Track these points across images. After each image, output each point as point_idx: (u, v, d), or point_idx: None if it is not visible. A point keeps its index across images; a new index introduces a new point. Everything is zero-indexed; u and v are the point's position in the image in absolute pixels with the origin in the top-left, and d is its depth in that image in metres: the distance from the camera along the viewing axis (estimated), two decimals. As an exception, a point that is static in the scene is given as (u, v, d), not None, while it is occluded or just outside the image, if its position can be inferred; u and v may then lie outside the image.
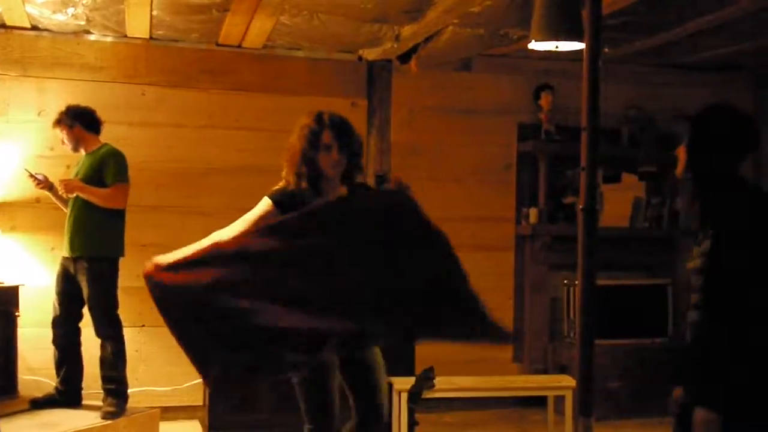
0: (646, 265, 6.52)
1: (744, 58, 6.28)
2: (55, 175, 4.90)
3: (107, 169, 4.69)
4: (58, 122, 4.77)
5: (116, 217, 4.73)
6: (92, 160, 4.74)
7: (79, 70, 5.50)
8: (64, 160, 5.15)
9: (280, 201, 3.18)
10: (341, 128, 3.21)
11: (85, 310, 4.72)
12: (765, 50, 5.96)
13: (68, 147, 4.81)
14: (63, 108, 4.81)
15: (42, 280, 5.20)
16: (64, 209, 4.82)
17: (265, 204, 3.20)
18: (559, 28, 3.84)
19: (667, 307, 6.22)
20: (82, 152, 4.80)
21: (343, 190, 3.25)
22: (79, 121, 4.74)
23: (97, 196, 4.64)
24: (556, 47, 4.10)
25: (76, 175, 4.72)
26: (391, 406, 4.61)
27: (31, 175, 4.78)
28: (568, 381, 4.77)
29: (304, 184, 3.17)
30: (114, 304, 4.71)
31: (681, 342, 6.34)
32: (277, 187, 3.25)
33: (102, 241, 4.67)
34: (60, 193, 4.70)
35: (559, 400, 4.82)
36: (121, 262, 4.78)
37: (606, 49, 5.63)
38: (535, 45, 4.07)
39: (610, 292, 5.87)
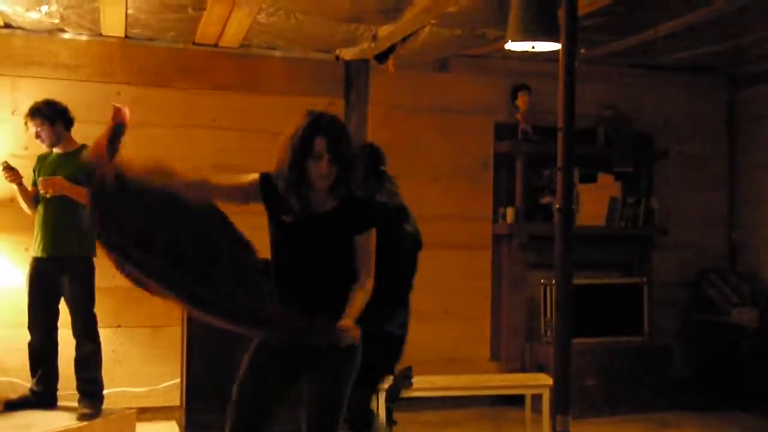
0: (622, 263, 6.58)
1: (718, 59, 6.34)
2: (30, 174, 4.84)
3: None
4: (39, 115, 4.65)
5: None
6: (76, 160, 4.67)
7: (53, 68, 5.45)
8: (39, 160, 5.10)
9: (266, 184, 2.94)
10: (337, 136, 2.88)
11: (61, 309, 4.69)
12: (739, 51, 6.03)
13: (43, 142, 4.71)
14: (37, 101, 4.69)
15: (15, 280, 5.15)
16: (26, 208, 4.75)
17: (254, 176, 2.97)
18: (535, 28, 3.86)
19: (642, 306, 6.28)
20: (55, 150, 4.74)
21: (331, 203, 2.97)
22: (62, 119, 4.69)
23: None
24: (533, 48, 4.12)
25: (52, 174, 4.64)
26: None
27: (8, 167, 4.69)
28: (545, 379, 4.80)
29: (287, 192, 2.90)
30: (93, 302, 4.69)
31: (654, 340, 6.41)
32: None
33: (85, 241, 4.64)
34: (41, 191, 4.60)
35: (537, 398, 4.85)
36: (97, 261, 4.74)
37: (582, 50, 5.67)
38: (511, 45, 4.09)
39: (586, 291, 5.91)
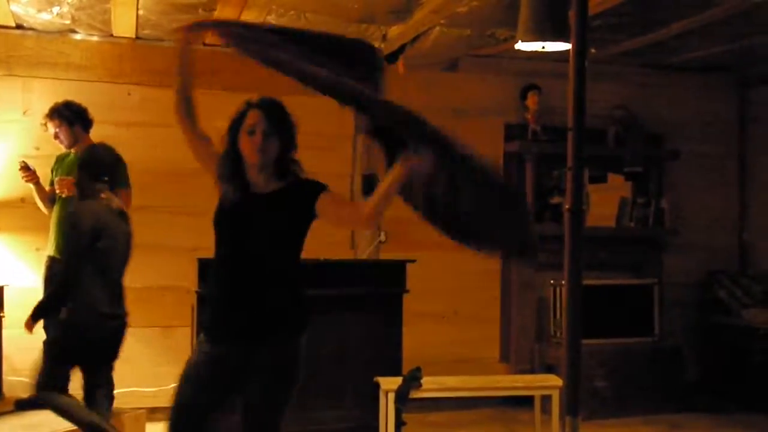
0: (632, 264, 6.55)
1: (729, 59, 6.32)
2: (43, 174, 4.86)
3: (116, 173, 4.69)
4: (58, 116, 4.70)
5: None
6: None
7: (64, 69, 5.47)
8: (50, 160, 5.11)
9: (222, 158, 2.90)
10: (270, 110, 2.84)
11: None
12: (750, 51, 6.00)
13: (62, 143, 4.75)
14: (57, 102, 4.75)
15: (27, 280, 5.17)
16: (44, 208, 4.78)
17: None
18: (545, 28, 3.85)
19: (653, 307, 6.25)
20: (73, 151, 4.77)
21: (274, 185, 2.84)
22: (80, 120, 4.73)
23: None
24: (543, 48, 4.11)
25: (69, 174, 4.68)
26: (378, 406, 4.61)
27: (26, 167, 4.73)
28: (555, 380, 4.78)
29: (227, 173, 2.84)
30: None
31: (665, 341, 6.37)
32: None
33: None
34: (58, 192, 4.64)
35: (546, 399, 4.83)
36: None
37: (592, 50, 5.66)
38: (521, 45, 4.08)
39: (596, 292, 5.89)
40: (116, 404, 4.77)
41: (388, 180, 2.68)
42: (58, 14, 5.09)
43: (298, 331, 2.86)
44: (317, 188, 2.83)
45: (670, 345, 6.30)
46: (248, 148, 2.81)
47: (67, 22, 5.25)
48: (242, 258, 2.82)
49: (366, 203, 2.79)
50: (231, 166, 2.85)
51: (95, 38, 5.53)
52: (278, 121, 2.84)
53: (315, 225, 2.89)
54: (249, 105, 2.87)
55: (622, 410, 5.83)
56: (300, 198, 2.82)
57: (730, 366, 6.33)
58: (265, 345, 2.80)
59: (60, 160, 4.83)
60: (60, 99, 4.90)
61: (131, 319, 5.50)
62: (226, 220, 2.86)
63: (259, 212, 2.81)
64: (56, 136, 4.74)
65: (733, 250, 6.90)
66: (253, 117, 2.82)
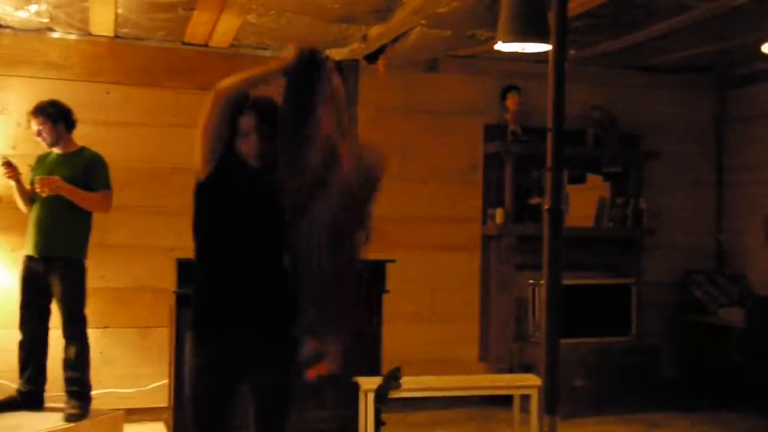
0: (610, 264, 6.60)
1: (707, 61, 6.37)
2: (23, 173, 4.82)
3: (97, 174, 4.67)
4: (43, 114, 4.65)
5: (89, 218, 4.71)
6: (75, 161, 4.67)
7: (42, 67, 5.43)
8: (27, 159, 5.07)
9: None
10: (267, 113, 2.79)
11: (54, 310, 4.67)
12: (728, 53, 6.05)
13: (44, 141, 4.71)
14: (42, 100, 4.71)
15: (2, 281, 5.12)
16: (23, 207, 4.73)
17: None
18: (525, 29, 3.87)
19: (630, 306, 6.30)
20: (55, 150, 4.73)
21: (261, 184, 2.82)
22: (64, 120, 4.69)
23: (86, 200, 4.61)
24: (523, 49, 4.13)
25: (50, 173, 4.64)
26: (358, 406, 4.61)
27: (8, 163, 4.68)
28: (534, 380, 4.81)
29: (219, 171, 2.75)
30: (84, 303, 4.68)
31: (644, 340, 6.42)
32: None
33: (79, 242, 4.66)
34: (37, 190, 4.60)
35: (525, 398, 4.86)
36: (87, 263, 4.74)
37: (572, 51, 5.68)
38: (501, 46, 4.09)
39: (575, 292, 5.92)
40: (94, 405, 4.76)
41: None
42: (35, 12, 5.04)
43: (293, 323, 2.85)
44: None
45: (648, 344, 6.35)
46: (247, 149, 2.79)
47: (45, 20, 5.21)
48: (243, 252, 2.79)
49: None
50: (226, 165, 2.79)
51: (73, 37, 5.49)
52: (274, 124, 2.78)
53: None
54: (243, 105, 2.80)
55: (600, 409, 5.87)
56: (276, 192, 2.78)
57: (707, 365, 6.39)
58: (267, 338, 2.80)
59: (41, 159, 4.78)
60: (37, 98, 4.85)
61: (108, 320, 5.50)
62: (222, 218, 2.81)
63: (257, 208, 2.79)
64: (39, 134, 4.70)
65: (710, 250, 6.96)
66: (247, 119, 2.78)
